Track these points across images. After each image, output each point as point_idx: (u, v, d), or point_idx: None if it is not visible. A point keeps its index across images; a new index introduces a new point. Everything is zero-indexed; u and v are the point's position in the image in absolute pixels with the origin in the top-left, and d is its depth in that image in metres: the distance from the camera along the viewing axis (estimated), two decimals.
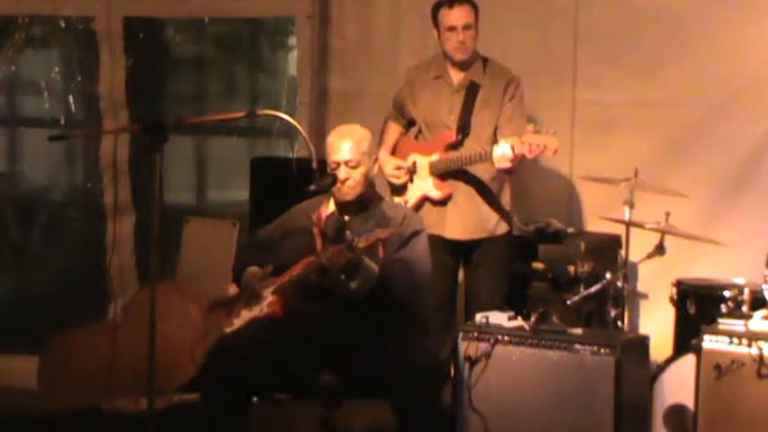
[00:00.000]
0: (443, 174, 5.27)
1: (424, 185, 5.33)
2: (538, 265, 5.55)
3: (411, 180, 5.39)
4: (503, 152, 4.94)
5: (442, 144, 5.29)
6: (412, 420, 4.23)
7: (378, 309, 4.36)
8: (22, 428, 5.44)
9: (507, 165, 4.98)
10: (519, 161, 4.98)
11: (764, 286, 4.70)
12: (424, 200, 5.32)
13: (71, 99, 6.99)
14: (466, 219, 5.28)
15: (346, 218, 4.54)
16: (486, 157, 5.05)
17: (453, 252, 5.34)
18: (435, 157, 5.29)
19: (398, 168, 5.38)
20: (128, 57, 6.71)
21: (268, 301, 4.46)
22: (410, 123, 5.50)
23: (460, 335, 4.84)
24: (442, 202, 5.29)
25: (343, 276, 4.27)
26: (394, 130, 5.53)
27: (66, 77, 7.07)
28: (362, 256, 4.25)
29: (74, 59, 7.05)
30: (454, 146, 5.27)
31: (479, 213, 5.29)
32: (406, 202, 5.27)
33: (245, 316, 4.50)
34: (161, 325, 4.01)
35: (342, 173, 4.49)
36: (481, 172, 5.24)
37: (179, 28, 7.09)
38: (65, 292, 6.82)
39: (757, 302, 4.74)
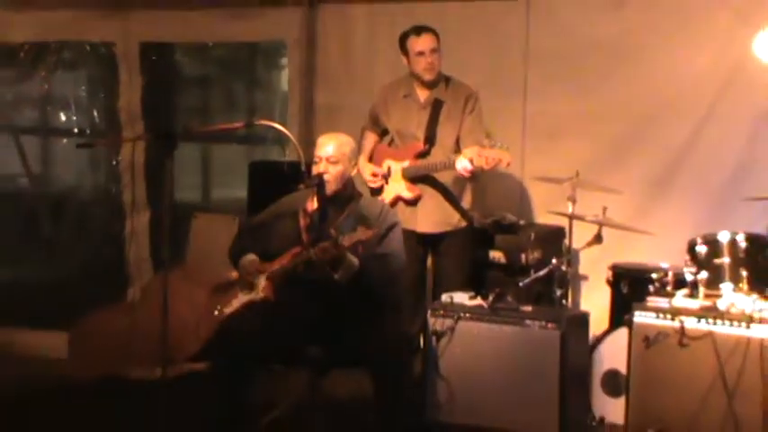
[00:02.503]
0: (414, 178, 5.37)
1: (398, 187, 5.40)
2: (495, 253, 5.59)
3: (387, 182, 5.47)
4: (464, 165, 5.00)
5: (412, 153, 5.36)
6: (388, 386, 4.27)
7: (357, 295, 4.40)
8: (56, 393, 5.46)
9: (468, 175, 5.08)
10: (478, 171, 5.05)
11: (685, 269, 4.80)
12: (398, 199, 5.38)
13: (95, 112, 7.04)
14: (433, 215, 5.35)
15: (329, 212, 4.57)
16: (450, 166, 5.12)
17: (423, 243, 5.41)
18: (407, 163, 5.37)
19: (374, 175, 5.46)
20: (143, 76, 6.75)
21: (262, 287, 4.51)
22: (384, 132, 5.58)
23: (429, 312, 4.90)
24: (413, 202, 5.36)
25: (328, 268, 4.30)
26: (370, 139, 5.59)
27: (91, 94, 7.12)
28: (346, 252, 4.29)
29: (97, 79, 7.08)
30: (422, 154, 5.34)
31: (444, 210, 5.36)
32: (382, 201, 5.31)
33: (242, 298, 4.56)
34: (172, 305, 4.04)
35: (321, 166, 4.52)
36: (445, 176, 5.30)
37: (186, 51, 7.17)
38: (90, 277, 6.84)
39: (679, 283, 4.84)
